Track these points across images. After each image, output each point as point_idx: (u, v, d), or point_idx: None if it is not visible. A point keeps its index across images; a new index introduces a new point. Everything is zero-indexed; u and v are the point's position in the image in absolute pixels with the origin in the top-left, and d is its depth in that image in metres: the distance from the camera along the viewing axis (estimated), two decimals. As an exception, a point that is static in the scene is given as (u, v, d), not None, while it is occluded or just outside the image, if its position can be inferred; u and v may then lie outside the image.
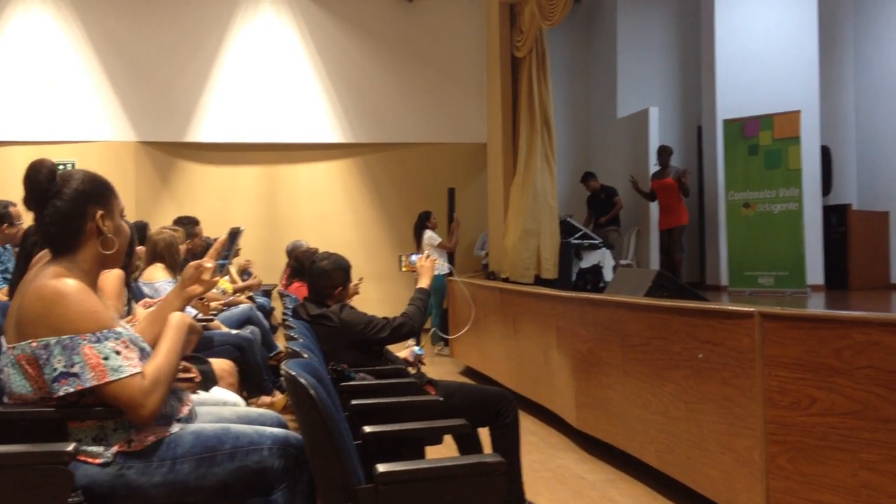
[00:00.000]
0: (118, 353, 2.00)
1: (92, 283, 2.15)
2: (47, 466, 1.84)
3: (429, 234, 9.41)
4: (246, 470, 2.12)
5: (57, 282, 2.02)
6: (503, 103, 8.85)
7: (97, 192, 2.16)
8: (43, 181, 2.10)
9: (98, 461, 2.03)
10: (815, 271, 9.57)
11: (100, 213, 2.14)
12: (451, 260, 9.56)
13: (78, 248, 2.13)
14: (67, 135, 10.35)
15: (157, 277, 4.69)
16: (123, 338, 2.05)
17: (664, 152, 9.83)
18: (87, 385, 1.97)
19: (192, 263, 2.48)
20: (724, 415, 3.36)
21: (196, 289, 2.45)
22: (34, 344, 1.98)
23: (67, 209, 2.10)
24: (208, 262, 2.49)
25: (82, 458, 2.02)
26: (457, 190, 10.31)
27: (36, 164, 2.12)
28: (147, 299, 3.81)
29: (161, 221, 6.13)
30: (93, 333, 1.99)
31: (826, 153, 10.38)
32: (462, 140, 11.22)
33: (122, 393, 1.98)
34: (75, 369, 1.96)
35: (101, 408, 2.03)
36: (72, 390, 1.97)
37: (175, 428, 2.17)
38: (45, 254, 2.23)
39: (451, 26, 11.27)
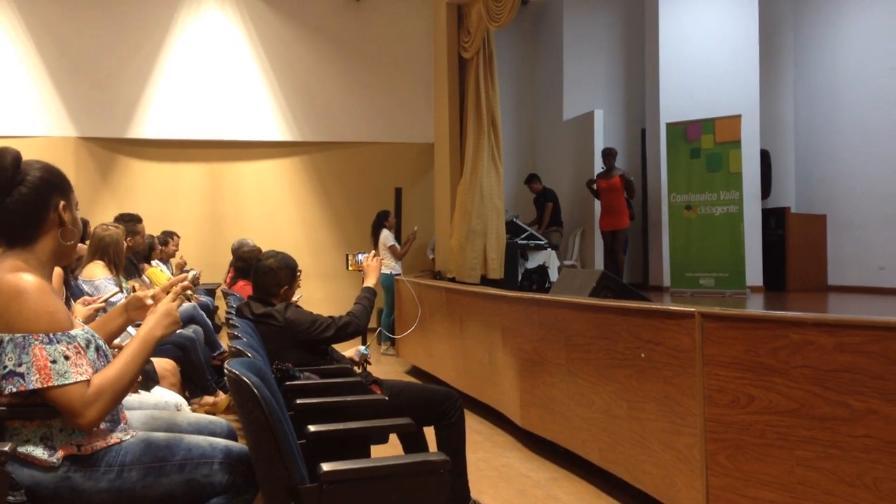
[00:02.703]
0: (67, 357, 1.96)
1: (48, 275, 2.11)
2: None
3: (385, 234, 9.36)
4: (194, 483, 2.10)
5: (16, 277, 1.97)
6: (450, 104, 8.85)
7: (59, 182, 2.13)
8: (8, 168, 2.05)
9: (44, 465, 1.99)
10: (754, 273, 9.78)
11: (62, 203, 2.10)
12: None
13: (37, 238, 2.08)
14: (4, 129, 10.05)
15: (98, 275, 4.59)
16: (77, 342, 2.01)
17: (609, 154, 9.94)
18: (31, 387, 1.93)
19: (137, 294, 2.50)
20: (665, 413, 3.41)
21: (139, 314, 2.48)
22: None
23: (32, 198, 2.06)
24: (148, 298, 2.49)
25: (29, 460, 1.99)
26: (404, 190, 10.27)
27: (0, 151, 2.07)
28: (86, 297, 3.73)
29: (101, 219, 5.98)
30: (46, 334, 1.95)
31: (766, 157, 10.63)
32: (409, 140, 11.20)
33: (63, 399, 1.94)
34: (22, 369, 1.93)
35: (44, 407, 1.99)
36: (15, 390, 1.94)
37: (127, 435, 2.14)
38: None
39: (398, 26, 11.24)
